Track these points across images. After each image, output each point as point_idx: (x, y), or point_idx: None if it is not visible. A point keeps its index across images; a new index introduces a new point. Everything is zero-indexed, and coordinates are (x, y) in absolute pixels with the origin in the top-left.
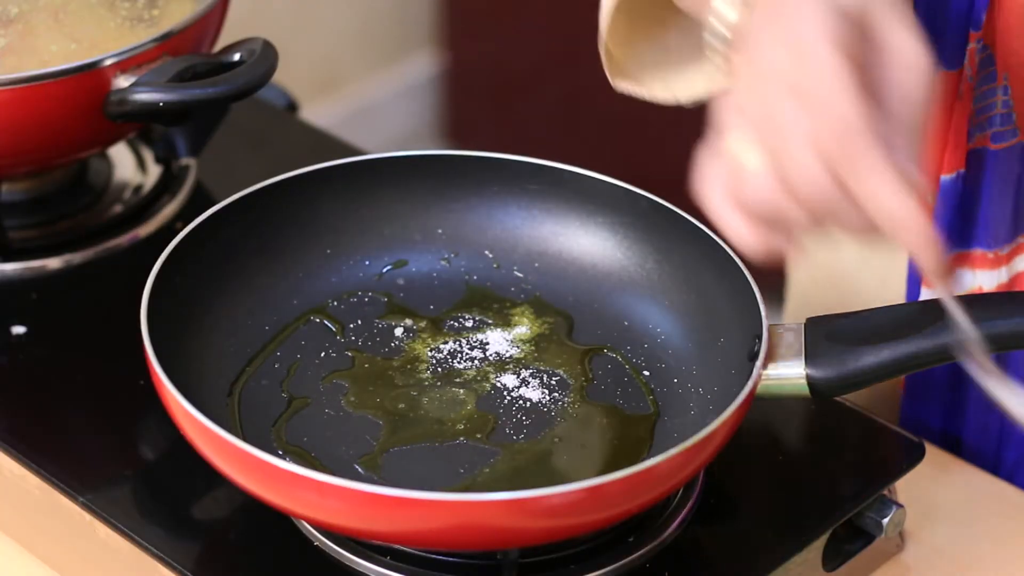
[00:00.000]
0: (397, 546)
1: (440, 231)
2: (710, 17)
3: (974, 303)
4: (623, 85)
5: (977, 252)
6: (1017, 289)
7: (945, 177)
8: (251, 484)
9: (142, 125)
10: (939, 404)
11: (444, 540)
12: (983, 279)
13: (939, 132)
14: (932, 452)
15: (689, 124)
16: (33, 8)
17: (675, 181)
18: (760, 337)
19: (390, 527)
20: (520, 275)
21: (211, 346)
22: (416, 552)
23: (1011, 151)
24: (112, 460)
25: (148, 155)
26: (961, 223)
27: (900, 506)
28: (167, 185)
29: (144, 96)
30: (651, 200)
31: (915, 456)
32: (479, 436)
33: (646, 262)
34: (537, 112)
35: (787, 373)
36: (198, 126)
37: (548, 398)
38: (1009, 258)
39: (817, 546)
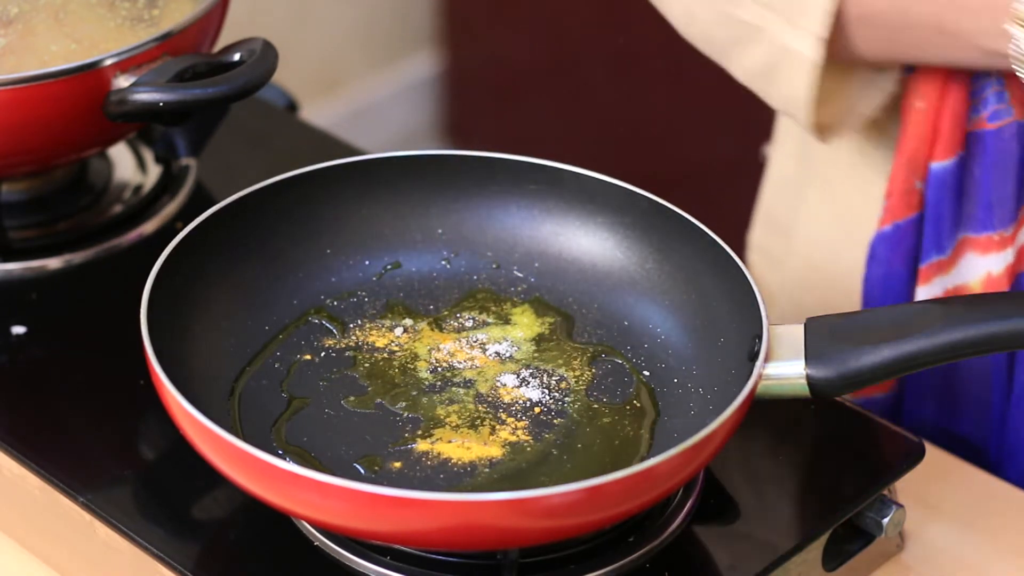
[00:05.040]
0: (397, 546)
1: (440, 231)
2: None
3: (974, 303)
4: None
5: (983, 236)
6: None
7: (939, 164)
8: (251, 484)
9: (142, 125)
10: (937, 403)
11: (444, 540)
12: (992, 263)
13: (929, 117)
14: (932, 452)
15: (689, 125)
16: (33, 8)
17: (675, 181)
18: (760, 337)
19: (390, 527)
20: (520, 275)
21: (211, 346)
22: (416, 552)
23: (1007, 129)
24: (112, 460)
25: (148, 155)
26: (962, 207)
27: (900, 506)
28: (167, 185)
29: (144, 96)
30: (651, 200)
31: (915, 456)
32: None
33: (646, 262)
34: (537, 112)
35: (787, 373)
36: (198, 126)
37: (548, 398)
38: (1014, 238)
39: (817, 546)
